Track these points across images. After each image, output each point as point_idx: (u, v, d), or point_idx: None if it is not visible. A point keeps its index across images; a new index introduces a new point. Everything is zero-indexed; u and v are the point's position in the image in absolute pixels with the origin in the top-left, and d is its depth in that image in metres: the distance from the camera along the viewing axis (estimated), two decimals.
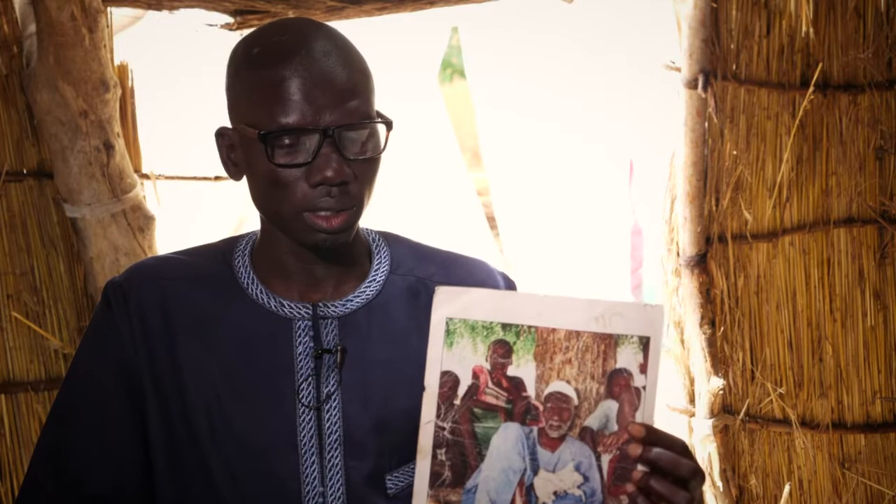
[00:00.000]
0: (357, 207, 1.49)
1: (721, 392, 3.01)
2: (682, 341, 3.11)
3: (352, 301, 1.56)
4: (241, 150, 1.50)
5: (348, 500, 1.52)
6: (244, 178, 1.54)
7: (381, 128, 1.50)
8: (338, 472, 1.52)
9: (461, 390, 1.35)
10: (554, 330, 1.32)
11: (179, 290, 1.56)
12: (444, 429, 1.35)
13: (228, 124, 1.54)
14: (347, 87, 1.44)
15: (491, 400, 1.34)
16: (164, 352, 1.53)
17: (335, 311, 1.55)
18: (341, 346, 1.53)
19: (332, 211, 1.46)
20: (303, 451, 1.51)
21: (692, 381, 3.10)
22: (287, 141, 1.43)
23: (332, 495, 1.51)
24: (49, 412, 1.61)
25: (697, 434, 3.08)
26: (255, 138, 1.44)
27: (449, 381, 1.35)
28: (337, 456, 1.52)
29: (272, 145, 1.43)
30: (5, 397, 2.79)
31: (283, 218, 1.48)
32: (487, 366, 1.34)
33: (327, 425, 1.52)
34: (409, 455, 1.47)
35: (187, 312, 1.55)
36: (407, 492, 1.52)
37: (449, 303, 1.35)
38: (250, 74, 1.45)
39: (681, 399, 3.14)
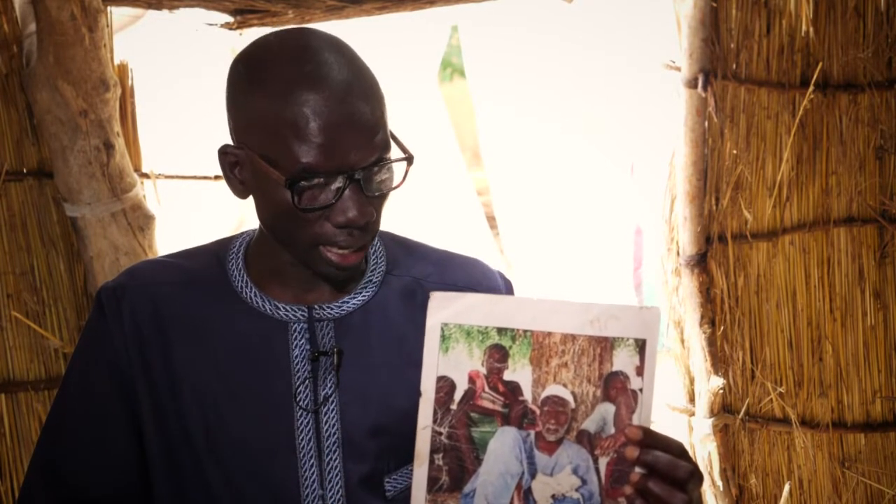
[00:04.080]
0: (372, 240, 1.49)
1: (721, 391, 3.01)
2: (682, 341, 3.11)
3: (348, 303, 1.55)
4: (249, 171, 1.46)
5: (347, 503, 1.52)
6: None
7: (397, 152, 1.47)
8: (337, 475, 1.51)
9: (457, 395, 1.34)
10: (549, 334, 1.32)
11: (173, 293, 1.55)
12: (440, 434, 1.35)
13: (228, 130, 1.51)
14: (371, 124, 1.40)
15: (487, 404, 1.34)
16: (159, 356, 1.52)
17: (331, 313, 1.54)
18: (337, 348, 1.52)
19: (351, 249, 1.45)
20: (301, 454, 1.51)
21: (692, 381, 3.11)
22: (310, 183, 1.40)
23: (331, 498, 1.51)
24: (46, 419, 1.61)
25: (697, 433, 3.08)
26: (279, 182, 1.39)
27: (445, 386, 1.34)
28: (336, 458, 1.51)
29: (297, 191, 1.40)
30: (5, 397, 2.79)
31: (296, 248, 1.47)
32: (483, 370, 1.34)
33: (325, 428, 1.51)
34: (408, 457, 1.47)
35: (181, 316, 1.54)
36: (405, 494, 1.52)
37: (444, 308, 1.35)
38: (266, 105, 1.40)
39: (681, 398, 3.14)
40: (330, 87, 1.39)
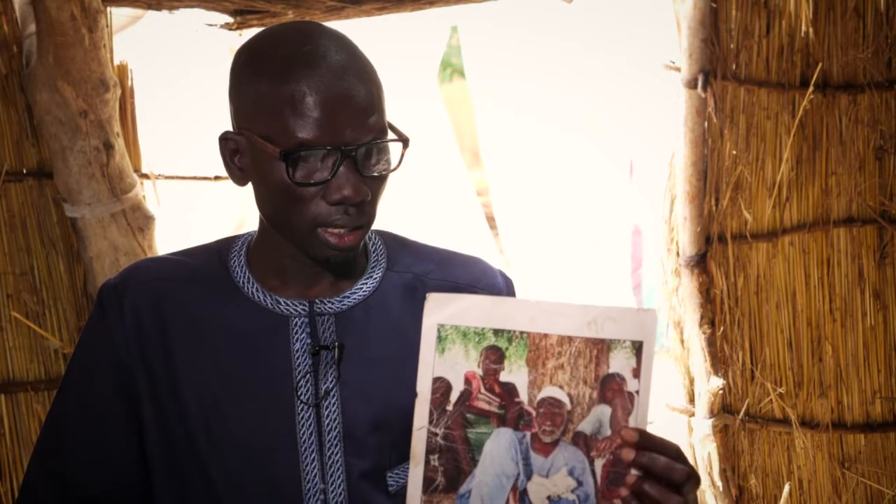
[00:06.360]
0: (369, 224, 1.50)
1: (721, 392, 3.01)
2: (682, 341, 3.11)
3: (349, 298, 1.56)
4: (249, 157, 1.48)
5: (349, 498, 1.52)
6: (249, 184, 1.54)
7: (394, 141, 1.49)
8: (338, 469, 1.51)
9: (453, 396, 1.35)
10: (546, 335, 1.32)
11: (175, 290, 1.56)
12: (436, 434, 1.35)
13: (230, 127, 1.52)
14: (366, 104, 1.43)
15: (483, 406, 1.34)
16: (160, 353, 1.53)
17: (332, 308, 1.55)
18: (338, 342, 1.53)
19: (347, 229, 1.46)
20: (302, 448, 1.51)
21: (692, 381, 3.10)
22: (306, 158, 1.42)
23: (332, 492, 1.51)
24: (46, 417, 1.62)
25: (697, 434, 3.08)
26: (274, 155, 1.42)
27: (441, 387, 1.35)
28: (337, 453, 1.51)
29: (292, 163, 1.42)
30: (5, 397, 2.79)
31: (294, 231, 1.48)
32: (480, 371, 1.34)
33: (327, 422, 1.51)
34: (409, 452, 1.47)
35: (183, 313, 1.54)
36: None
37: (440, 309, 1.35)
38: (266, 85, 1.43)
39: (681, 399, 3.14)
40: (327, 65, 1.42)
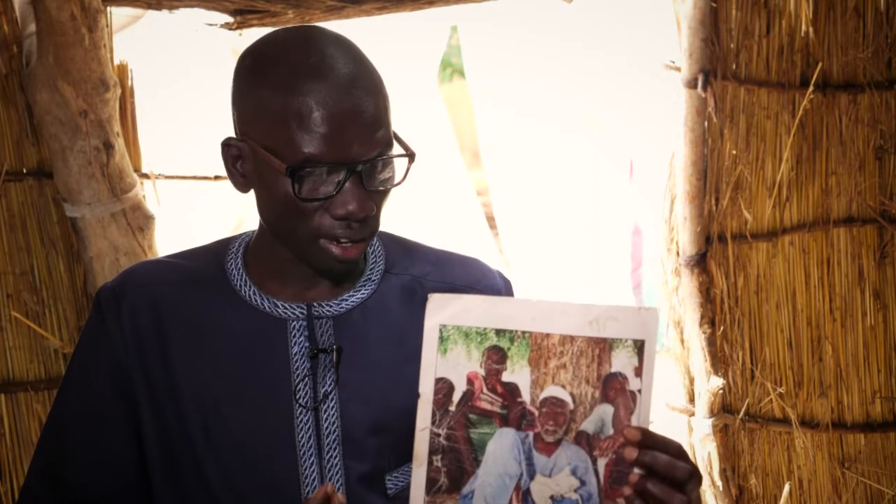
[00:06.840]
0: (372, 235, 1.49)
1: (721, 391, 3.01)
2: (682, 341, 3.11)
3: (347, 300, 1.55)
4: (252, 164, 1.47)
5: (348, 501, 1.51)
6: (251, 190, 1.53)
7: (399, 150, 1.48)
8: (337, 473, 1.51)
9: (456, 397, 1.34)
10: (548, 335, 1.32)
11: (172, 293, 1.55)
12: (439, 435, 1.35)
13: (230, 129, 1.51)
14: (374, 118, 1.41)
15: (486, 406, 1.34)
16: (157, 356, 1.52)
17: (330, 311, 1.54)
18: (337, 345, 1.52)
19: (351, 241, 1.45)
20: (301, 451, 1.51)
21: (692, 381, 3.11)
22: (311, 173, 1.41)
23: None
24: (47, 418, 1.62)
25: (697, 433, 3.08)
26: (280, 170, 1.40)
27: (443, 387, 1.35)
28: (336, 456, 1.51)
29: (298, 179, 1.41)
30: (5, 397, 2.79)
31: (297, 241, 1.47)
32: (482, 372, 1.34)
33: (325, 425, 1.51)
34: (408, 455, 1.47)
35: (180, 316, 1.54)
36: (407, 493, 1.52)
37: (442, 309, 1.35)
38: (271, 95, 1.41)
39: (680, 398, 3.14)
40: (335, 78, 1.40)
